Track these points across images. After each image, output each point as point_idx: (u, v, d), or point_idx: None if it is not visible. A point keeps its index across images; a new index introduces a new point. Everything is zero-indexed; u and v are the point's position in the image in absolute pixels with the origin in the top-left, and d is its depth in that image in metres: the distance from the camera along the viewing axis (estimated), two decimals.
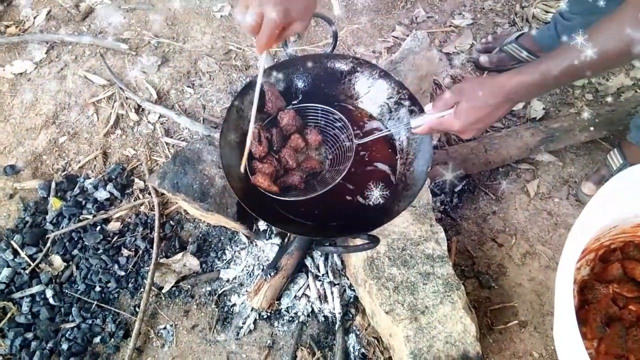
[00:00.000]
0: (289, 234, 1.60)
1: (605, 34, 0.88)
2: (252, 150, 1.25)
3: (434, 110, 1.11)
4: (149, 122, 1.92)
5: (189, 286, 1.57)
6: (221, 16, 2.23)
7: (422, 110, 1.38)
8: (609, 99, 1.96)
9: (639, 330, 1.32)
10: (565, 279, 1.07)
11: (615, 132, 1.79)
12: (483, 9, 2.28)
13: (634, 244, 1.42)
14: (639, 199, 1.28)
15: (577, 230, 1.11)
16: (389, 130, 1.34)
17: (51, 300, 1.55)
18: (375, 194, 1.30)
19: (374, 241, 1.19)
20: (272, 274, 1.46)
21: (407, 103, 1.39)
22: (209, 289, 1.57)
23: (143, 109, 1.95)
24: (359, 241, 1.32)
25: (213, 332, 1.49)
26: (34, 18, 2.25)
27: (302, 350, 1.45)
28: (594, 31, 0.88)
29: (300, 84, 1.40)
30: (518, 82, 0.97)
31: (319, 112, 1.34)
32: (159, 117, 1.93)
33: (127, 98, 1.96)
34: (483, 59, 2.04)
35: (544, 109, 1.92)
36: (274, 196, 1.21)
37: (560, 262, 1.09)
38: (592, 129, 1.75)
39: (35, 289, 1.56)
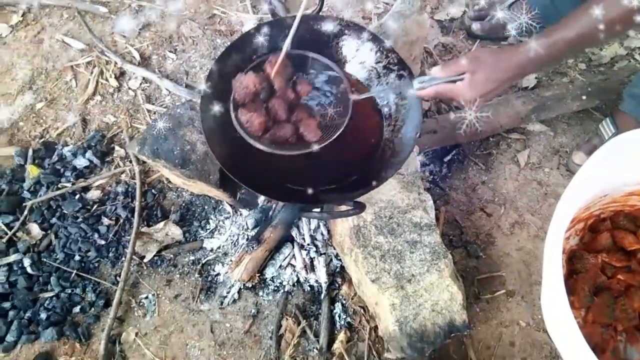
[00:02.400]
0: (274, 206, 1.56)
1: None
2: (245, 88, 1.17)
3: (443, 74, 1.06)
4: (129, 88, 1.85)
5: (172, 255, 1.53)
6: None
7: (411, 75, 1.34)
8: (602, 69, 1.92)
9: (626, 299, 1.32)
10: (554, 247, 1.05)
11: (608, 102, 1.76)
12: None
13: (623, 213, 1.40)
14: (629, 167, 1.26)
15: (566, 199, 1.08)
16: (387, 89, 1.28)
17: (29, 269, 1.50)
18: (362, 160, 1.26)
19: (359, 207, 1.16)
20: (254, 246, 1.42)
21: (396, 68, 1.34)
22: (192, 258, 1.53)
23: (123, 74, 1.88)
24: (345, 208, 1.29)
25: (196, 301, 1.46)
26: None
27: (287, 319, 1.43)
28: None
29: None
30: (533, 55, 0.95)
31: (310, 61, 1.26)
32: (140, 84, 1.86)
33: (107, 63, 1.89)
34: (475, 26, 1.99)
35: (536, 77, 1.88)
36: (261, 146, 1.13)
37: (549, 230, 1.06)
38: (584, 97, 1.71)
39: (13, 257, 1.52)
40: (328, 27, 1.36)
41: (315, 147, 1.14)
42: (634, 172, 1.28)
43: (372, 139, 1.34)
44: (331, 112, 1.26)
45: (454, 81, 1.05)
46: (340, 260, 1.51)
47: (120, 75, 1.88)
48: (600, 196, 1.34)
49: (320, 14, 1.37)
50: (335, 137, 1.15)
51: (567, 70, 1.92)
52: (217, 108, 1.23)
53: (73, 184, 1.63)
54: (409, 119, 1.32)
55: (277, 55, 1.23)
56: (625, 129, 1.58)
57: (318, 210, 1.40)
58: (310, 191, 1.26)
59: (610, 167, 1.21)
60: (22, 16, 2.03)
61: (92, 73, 1.88)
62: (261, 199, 1.56)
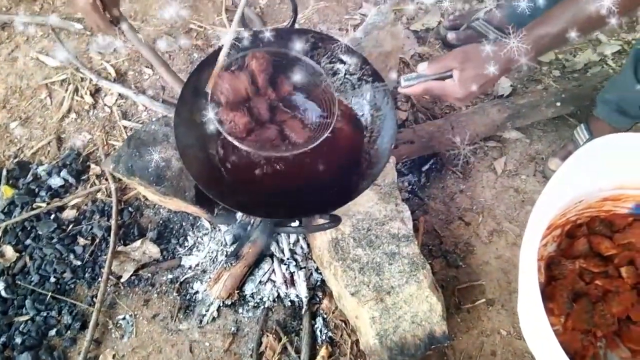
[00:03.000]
0: (252, 221, 1.55)
1: None
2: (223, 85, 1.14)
3: (430, 71, 1.05)
4: (105, 105, 1.83)
5: (149, 274, 1.51)
6: None
7: (385, 87, 1.35)
8: (576, 75, 1.95)
9: (605, 305, 1.32)
10: (530, 253, 1.05)
11: (582, 108, 1.78)
12: None
13: (599, 218, 1.41)
14: (603, 173, 1.27)
15: (540, 205, 1.08)
16: (381, 85, 1.26)
17: (3, 293, 1.47)
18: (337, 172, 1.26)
19: (335, 220, 1.16)
20: (232, 262, 1.41)
21: (370, 79, 1.35)
22: (170, 276, 1.51)
23: (99, 90, 1.86)
24: (321, 221, 1.28)
25: (175, 320, 1.44)
26: None
27: (267, 336, 1.41)
28: None
29: None
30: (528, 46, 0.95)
31: (291, 60, 1.25)
32: (116, 100, 1.84)
33: (82, 80, 1.87)
34: (450, 35, 2.00)
35: (511, 85, 1.89)
36: (245, 147, 1.09)
37: (524, 237, 1.06)
38: (558, 104, 1.73)
39: None
40: (301, 40, 1.36)
41: (304, 149, 1.12)
42: (608, 178, 1.29)
43: (348, 151, 1.34)
44: (315, 112, 1.24)
45: (443, 78, 1.04)
46: (320, 273, 1.50)
47: (96, 92, 1.87)
48: (576, 202, 1.35)
49: (294, 26, 1.37)
50: (323, 137, 1.12)
51: (542, 77, 1.95)
52: (191, 123, 1.23)
53: (48, 203, 1.61)
54: (384, 129, 1.32)
55: (259, 51, 1.22)
56: (599, 135, 1.60)
57: (295, 224, 1.40)
58: (286, 206, 1.25)
59: (584, 173, 1.21)
60: None
61: (67, 90, 1.86)
62: (239, 214, 1.55)
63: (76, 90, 1.86)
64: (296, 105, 1.30)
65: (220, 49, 1.15)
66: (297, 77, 1.28)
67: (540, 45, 0.98)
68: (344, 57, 1.36)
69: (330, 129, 1.14)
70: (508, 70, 1.03)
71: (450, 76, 1.03)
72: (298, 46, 1.34)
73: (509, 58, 0.97)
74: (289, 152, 1.13)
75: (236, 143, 1.08)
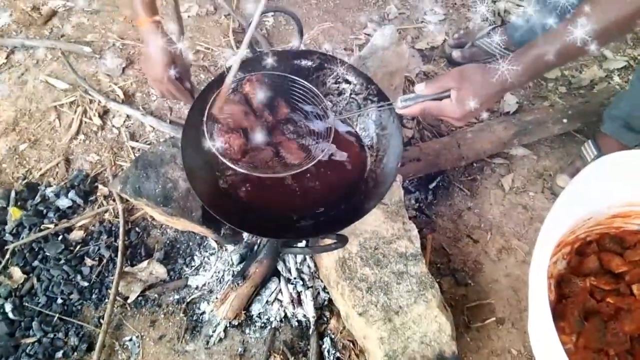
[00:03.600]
0: (259, 241, 1.55)
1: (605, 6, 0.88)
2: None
3: (428, 91, 1.05)
4: (113, 126, 1.85)
5: (156, 295, 1.50)
6: (188, 16, 2.17)
7: (391, 106, 1.35)
8: (582, 91, 1.95)
9: (617, 323, 1.30)
10: (539, 271, 1.04)
11: (589, 124, 1.78)
12: (455, 4, 2.26)
13: (609, 235, 1.39)
14: (612, 190, 1.26)
15: (549, 222, 1.07)
16: (377, 106, 1.27)
17: (10, 315, 1.47)
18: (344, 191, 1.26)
19: (342, 241, 1.15)
20: (239, 282, 1.40)
21: (376, 99, 1.35)
22: (177, 297, 1.50)
23: (107, 112, 1.88)
24: (328, 241, 1.28)
25: (181, 341, 1.43)
26: None
27: (274, 356, 1.40)
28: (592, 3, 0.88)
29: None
30: (519, 69, 0.94)
31: (288, 83, 1.26)
32: (124, 121, 1.86)
33: (90, 102, 1.90)
34: (456, 53, 2.02)
35: (517, 102, 1.90)
36: (240, 169, 1.11)
37: (534, 254, 1.05)
38: (565, 121, 1.73)
39: None
40: (307, 62, 1.37)
41: (298, 170, 1.13)
42: (617, 195, 1.29)
43: (355, 171, 1.34)
44: (312, 133, 1.25)
45: (440, 98, 1.03)
46: (328, 293, 1.49)
47: (104, 113, 1.89)
48: (585, 219, 1.33)
49: (300, 47, 1.39)
50: (317, 159, 1.13)
51: (548, 94, 1.95)
52: (198, 144, 1.23)
53: (56, 225, 1.61)
54: (390, 148, 1.33)
55: (255, 75, 1.24)
56: (607, 151, 1.60)
57: (301, 245, 1.39)
58: (293, 226, 1.25)
59: (593, 190, 1.20)
60: (6, 58, 2.05)
61: (75, 112, 1.88)
62: (245, 234, 1.54)
63: (85, 112, 1.88)
64: (293, 127, 1.31)
65: (227, 69, 1.16)
66: (295, 99, 1.29)
67: (533, 68, 0.97)
68: (349, 77, 1.38)
69: (326, 151, 1.14)
70: (506, 91, 1.02)
71: (449, 96, 1.03)
72: (304, 66, 1.36)
73: (506, 79, 0.96)
74: (284, 174, 1.13)
75: (230, 165, 1.09)
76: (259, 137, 1.21)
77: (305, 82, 1.25)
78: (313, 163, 1.14)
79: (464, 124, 1.05)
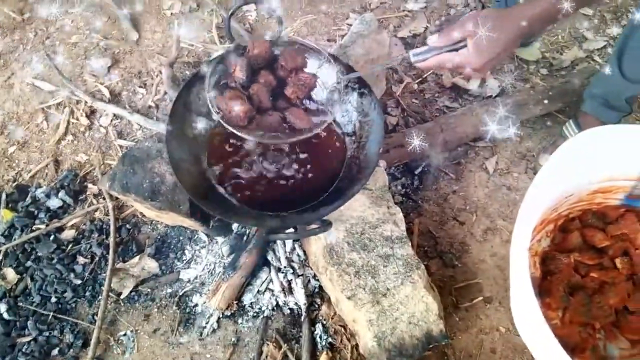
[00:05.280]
0: (247, 232, 1.57)
1: None
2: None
3: (441, 42, 0.98)
4: (100, 125, 1.86)
5: (149, 289, 1.52)
6: (171, 14, 2.18)
7: (371, 92, 1.37)
8: (564, 72, 1.97)
9: (601, 296, 1.32)
10: (519, 245, 1.05)
11: (570, 104, 1.80)
12: None
13: (591, 211, 1.42)
14: (592, 165, 1.27)
15: (530, 197, 1.09)
16: (389, 64, 1.23)
17: (5, 315, 1.49)
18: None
19: (327, 225, 1.17)
20: (230, 273, 1.42)
21: (357, 86, 1.37)
22: (169, 290, 1.52)
23: (94, 112, 1.89)
24: (313, 226, 1.30)
25: (175, 334, 1.45)
26: None
27: (268, 344, 1.42)
28: None
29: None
30: (533, 14, 0.90)
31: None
32: (111, 120, 1.87)
33: (77, 102, 1.91)
34: None
35: (499, 86, 1.92)
36: (245, 135, 1.07)
37: (514, 230, 1.07)
38: (546, 102, 1.75)
39: None
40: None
41: (307, 135, 1.11)
42: (597, 170, 1.30)
43: (338, 158, 1.36)
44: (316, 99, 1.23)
45: (456, 49, 0.97)
46: (317, 280, 1.51)
47: (91, 113, 1.90)
48: (567, 196, 1.35)
49: (280, 38, 1.40)
50: (327, 123, 1.12)
51: (529, 76, 1.97)
52: (183, 137, 1.25)
53: (47, 225, 1.63)
54: (372, 135, 1.35)
55: (257, 41, 1.22)
56: (587, 129, 1.62)
57: (288, 230, 1.41)
58: (278, 213, 1.27)
59: (572, 166, 1.21)
60: None
61: (63, 113, 1.89)
62: (235, 225, 1.56)
63: (72, 112, 1.89)
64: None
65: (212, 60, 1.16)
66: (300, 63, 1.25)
67: (547, 14, 0.90)
68: (331, 66, 1.39)
69: (333, 116, 1.13)
70: (526, 35, 0.95)
71: (465, 46, 0.96)
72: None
73: (529, 20, 0.90)
74: (294, 139, 1.11)
75: (236, 132, 1.06)
76: (264, 102, 1.16)
77: (312, 44, 1.23)
78: (324, 126, 1.11)
79: (485, 74, 0.97)
